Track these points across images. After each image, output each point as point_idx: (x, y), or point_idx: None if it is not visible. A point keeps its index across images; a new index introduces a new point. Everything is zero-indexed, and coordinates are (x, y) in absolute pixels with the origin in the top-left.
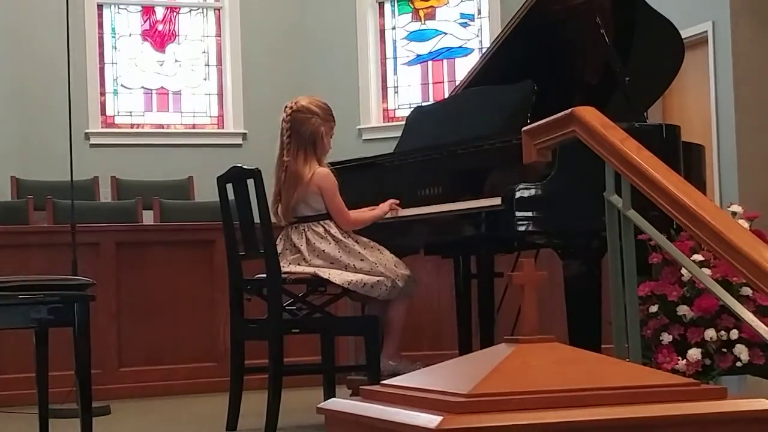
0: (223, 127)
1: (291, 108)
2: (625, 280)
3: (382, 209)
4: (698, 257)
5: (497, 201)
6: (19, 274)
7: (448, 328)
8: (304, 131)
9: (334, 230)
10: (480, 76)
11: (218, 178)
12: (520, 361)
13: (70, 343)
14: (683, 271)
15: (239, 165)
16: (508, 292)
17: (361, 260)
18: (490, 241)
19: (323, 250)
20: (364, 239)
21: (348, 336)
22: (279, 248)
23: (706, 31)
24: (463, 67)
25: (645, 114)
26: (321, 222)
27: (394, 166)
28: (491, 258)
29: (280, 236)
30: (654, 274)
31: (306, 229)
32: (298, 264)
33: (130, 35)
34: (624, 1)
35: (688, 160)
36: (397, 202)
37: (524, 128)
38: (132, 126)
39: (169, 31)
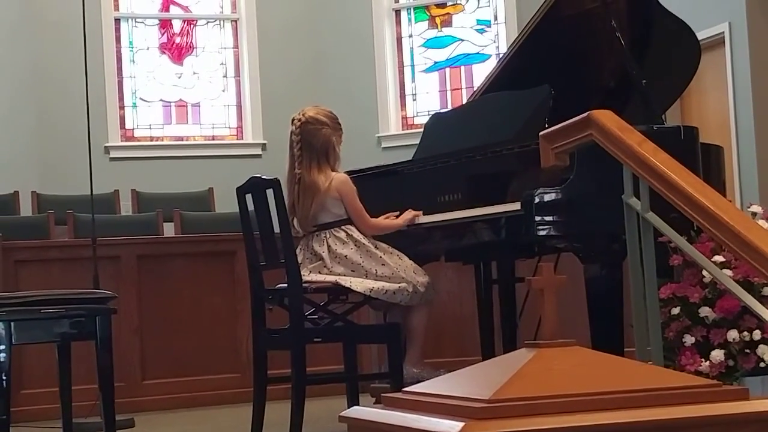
0: (242, 138)
1: (300, 120)
2: (645, 282)
3: (404, 219)
4: (719, 258)
5: (516, 206)
6: (40, 288)
7: (471, 335)
8: (316, 143)
9: (356, 234)
10: (497, 82)
11: (237, 188)
12: (541, 366)
13: (92, 357)
14: (704, 272)
15: (258, 175)
16: (530, 298)
17: (383, 265)
18: (510, 246)
19: (345, 256)
20: (384, 245)
21: (370, 344)
22: (299, 258)
23: (723, 32)
24: (481, 73)
25: (663, 116)
26: (343, 227)
27: (413, 174)
28: (512, 263)
29: (300, 245)
30: (675, 276)
31: (327, 236)
32: (319, 272)
33: (147, 48)
34: (639, 4)
35: (707, 162)
36: (420, 214)
37: (542, 133)
38: (151, 139)
39: (187, 43)
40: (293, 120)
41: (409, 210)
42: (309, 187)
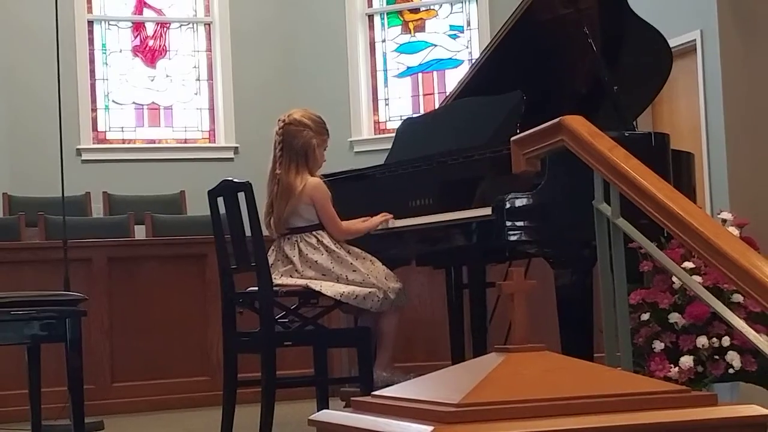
0: (214, 142)
1: (284, 121)
2: (615, 288)
3: (375, 221)
4: (689, 265)
5: (488, 211)
6: (11, 290)
7: (441, 339)
8: (296, 144)
9: (326, 240)
10: (469, 87)
11: (209, 191)
12: (510, 370)
13: (62, 359)
14: (674, 278)
15: (230, 178)
16: (500, 302)
17: (354, 271)
18: (481, 251)
19: (316, 261)
20: (357, 250)
21: (341, 348)
22: (270, 260)
23: (695, 40)
24: (453, 79)
25: (634, 122)
26: (314, 233)
27: (385, 178)
28: (483, 268)
29: (272, 248)
30: (645, 281)
31: (299, 240)
32: (290, 275)
33: (120, 51)
34: (612, 11)
35: (678, 168)
36: (390, 216)
37: (513, 138)
38: (123, 141)
39: (160, 46)
40: (278, 121)
41: (382, 213)
42: (285, 189)
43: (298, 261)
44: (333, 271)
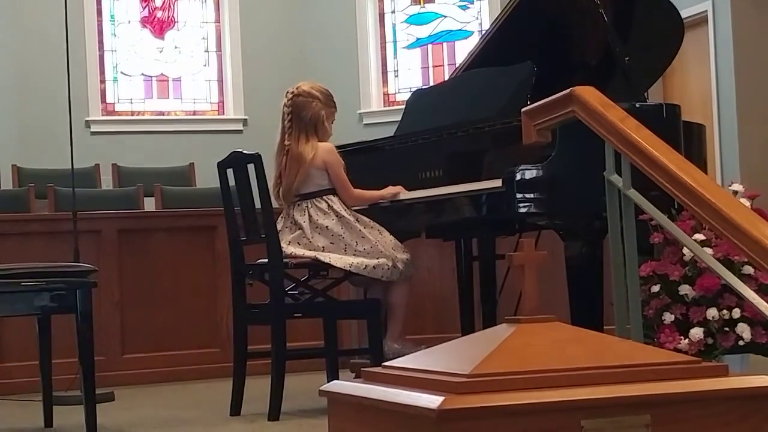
0: (223, 113)
1: (292, 93)
2: (626, 260)
3: (388, 191)
4: (700, 236)
5: (498, 183)
6: (21, 262)
7: (451, 311)
8: (305, 115)
9: (337, 206)
10: (479, 59)
11: (218, 163)
12: (520, 341)
13: (73, 330)
14: (685, 250)
15: (239, 150)
16: (510, 274)
17: (362, 238)
18: (491, 223)
19: (326, 227)
20: (365, 219)
21: (350, 319)
22: (279, 225)
23: (706, 11)
24: (463, 50)
25: (645, 94)
26: (324, 197)
27: (395, 150)
28: (492, 240)
29: (281, 216)
30: (656, 253)
31: (309, 206)
32: (298, 242)
33: (129, 22)
34: None
35: (689, 140)
36: (403, 189)
37: (524, 109)
38: (132, 113)
39: (169, 17)
40: (287, 93)
41: (392, 186)
42: (295, 158)
43: (308, 227)
44: (343, 237)
